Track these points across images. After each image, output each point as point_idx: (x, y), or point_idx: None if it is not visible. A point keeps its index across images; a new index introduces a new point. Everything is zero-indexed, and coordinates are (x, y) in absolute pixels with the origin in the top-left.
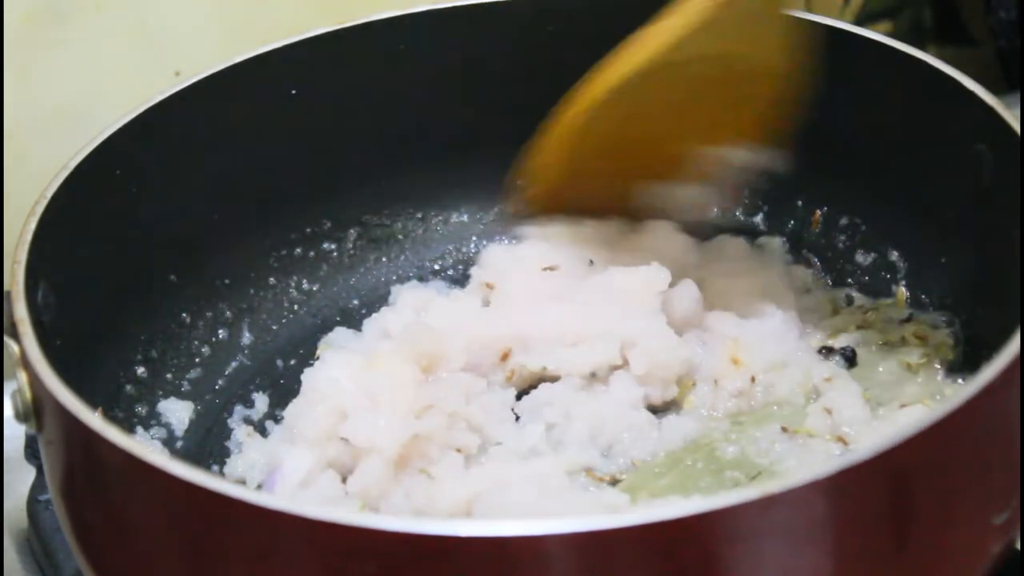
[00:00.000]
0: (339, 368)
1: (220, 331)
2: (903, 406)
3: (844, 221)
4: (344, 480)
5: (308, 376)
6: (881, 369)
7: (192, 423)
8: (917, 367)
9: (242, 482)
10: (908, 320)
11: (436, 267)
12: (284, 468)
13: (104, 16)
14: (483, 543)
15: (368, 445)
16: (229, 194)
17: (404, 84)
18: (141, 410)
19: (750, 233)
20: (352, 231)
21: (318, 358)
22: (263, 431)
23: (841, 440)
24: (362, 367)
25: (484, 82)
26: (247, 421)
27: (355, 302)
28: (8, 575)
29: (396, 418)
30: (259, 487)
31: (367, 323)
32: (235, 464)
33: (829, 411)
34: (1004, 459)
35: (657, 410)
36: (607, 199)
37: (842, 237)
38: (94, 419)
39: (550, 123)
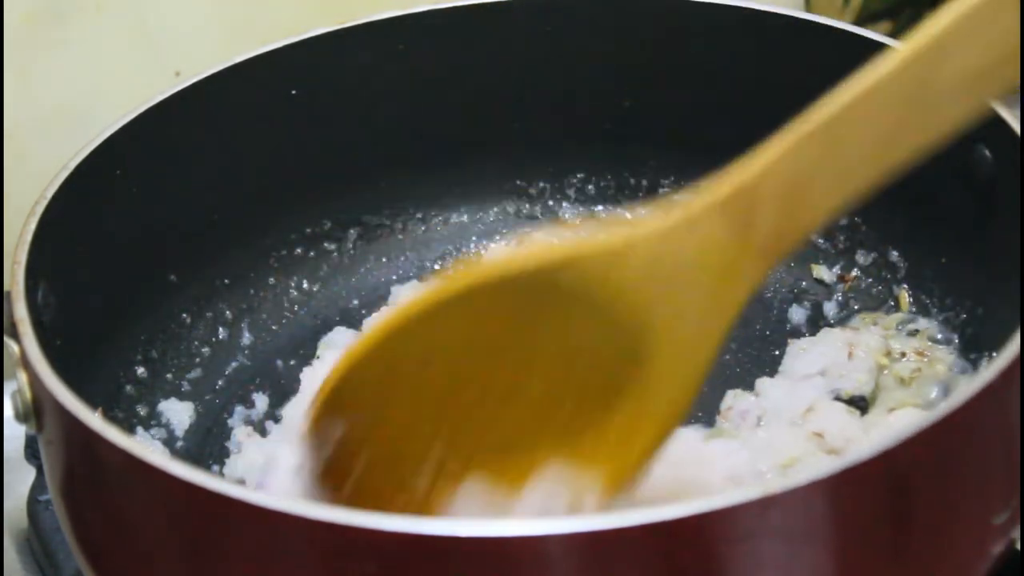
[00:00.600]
0: None
1: (220, 331)
2: (892, 410)
3: (844, 221)
4: None
5: (307, 376)
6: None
7: (192, 423)
8: (910, 380)
9: (242, 482)
10: (913, 335)
11: (436, 267)
12: (279, 465)
13: (104, 16)
14: (483, 543)
15: None
16: (229, 194)
17: (404, 84)
18: (141, 410)
19: None
20: (352, 231)
21: (318, 358)
22: (263, 431)
23: (833, 452)
24: None
25: (484, 82)
26: (247, 421)
27: (355, 302)
28: (8, 575)
29: None
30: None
31: (367, 323)
32: (235, 464)
33: (820, 435)
34: (1004, 459)
35: None
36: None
37: (841, 237)
38: (94, 419)
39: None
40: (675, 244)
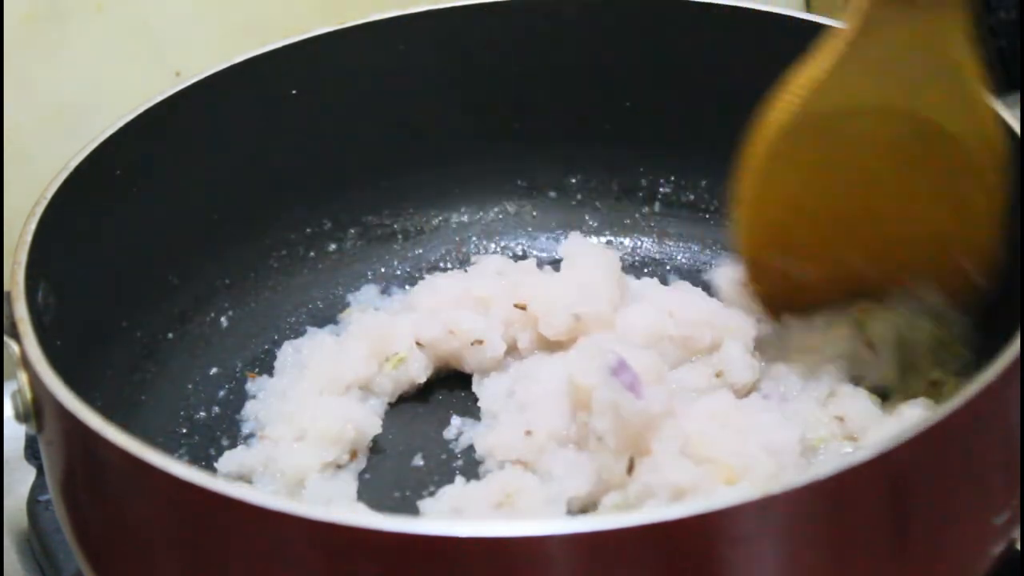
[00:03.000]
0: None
1: (220, 331)
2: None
3: None
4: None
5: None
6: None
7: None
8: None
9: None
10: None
11: (436, 267)
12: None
13: (104, 16)
14: (483, 543)
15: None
16: (229, 194)
17: (404, 84)
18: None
19: None
20: (352, 231)
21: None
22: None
23: (852, 438)
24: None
25: (484, 82)
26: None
27: (355, 302)
28: (8, 575)
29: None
30: None
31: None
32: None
33: (841, 419)
34: (1004, 459)
35: None
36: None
37: None
38: (94, 419)
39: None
40: (872, 39)
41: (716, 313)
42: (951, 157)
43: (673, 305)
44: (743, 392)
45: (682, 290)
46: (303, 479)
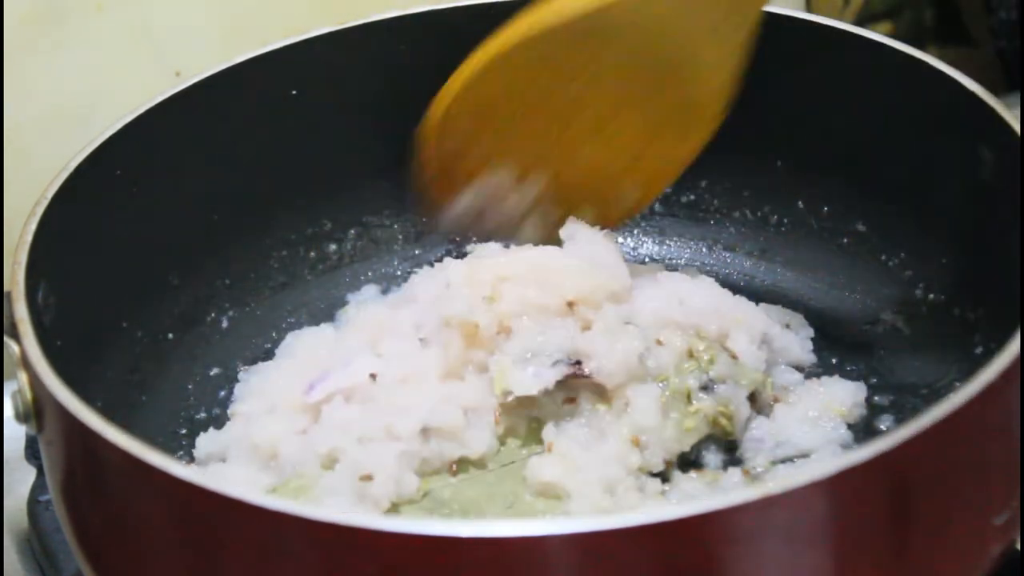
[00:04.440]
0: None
1: (220, 332)
2: None
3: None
4: None
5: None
6: None
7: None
8: None
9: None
10: None
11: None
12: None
13: (104, 16)
14: (483, 543)
15: None
16: (229, 194)
17: (404, 84)
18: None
19: None
20: (352, 231)
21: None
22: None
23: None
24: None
25: None
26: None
27: (355, 302)
28: (8, 575)
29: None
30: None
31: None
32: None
33: None
34: (1004, 459)
35: None
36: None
37: (844, 240)
38: (94, 419)
39: (453, 77)
40: None
41: (724, 302)
42: (677, 98)
43: (683, 291)
44: None
45: (692, 277)
46: (275, 451)
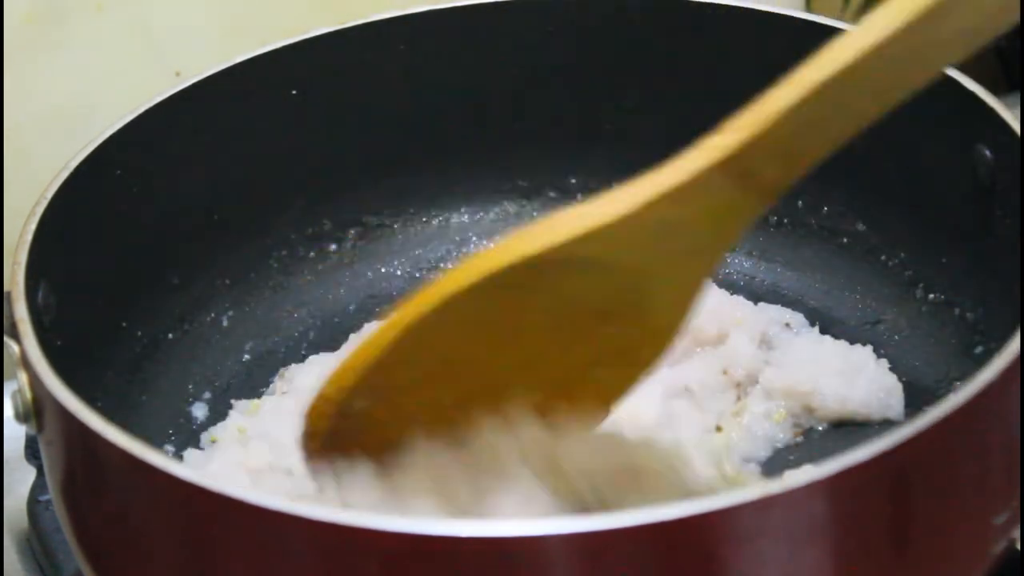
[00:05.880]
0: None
1: (220, 331)
2: None
3: (847, 226)
4: None
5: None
6: None
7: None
8: None
9: None
10: None
11: (436, 267)
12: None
13: (104, 16)
14: (483, 543)
15: None
16: (229, 194)
17: (404, 84)
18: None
19: None
20: (352, 231)
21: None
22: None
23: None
24: None
25: (484, 82)
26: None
27: (355, 302)
28: (8, 575)
29: None
30: None
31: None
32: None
33: None
34: (1004, 459)
35: None
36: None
37: (844, 240)
38: (94, 419)
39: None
40: (678, 205)
41: (723, 303)
42: (623, 333)
43: None
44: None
45: None
46: None
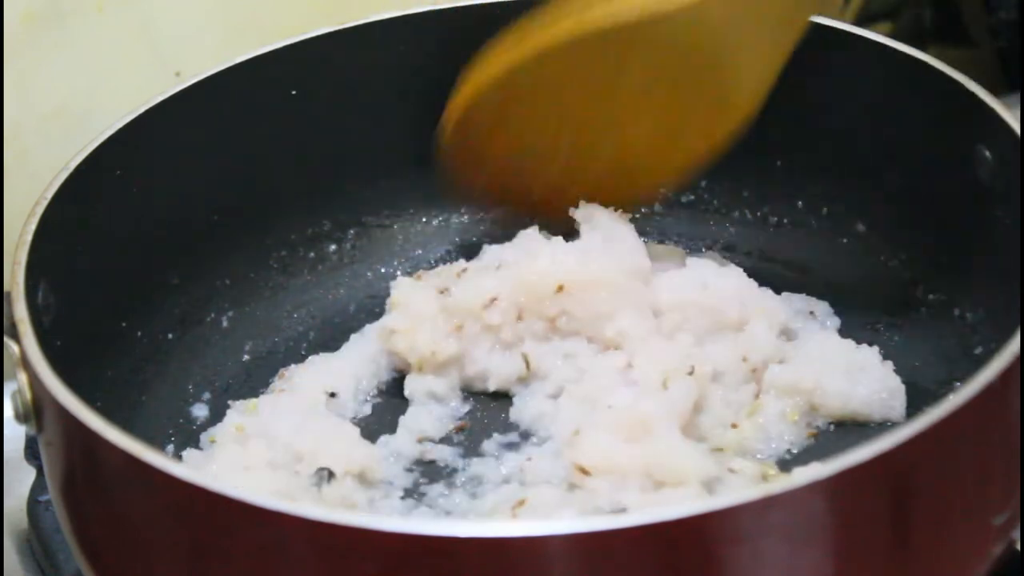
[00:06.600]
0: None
1: (220, 332)
2: None
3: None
4: None
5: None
6: None
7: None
8: None
9: None
10: None
11: (436, 267)
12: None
13: (104, 16)
14: (483, 543)
15: None
16: (229, 194)
17: (404, 84)
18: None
19: None
20: (352, 231)
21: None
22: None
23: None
24: None
25: None
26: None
27: (355, 302)
28: (8, 575)
29: None
30: None
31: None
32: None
33: None
34: (1004, 459)
35: None
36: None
37: (844, 240)
38: (94, 419)
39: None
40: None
41: (747, 290)
42: (710, 95)
43: (709, 275)
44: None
45: (718, 262)
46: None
